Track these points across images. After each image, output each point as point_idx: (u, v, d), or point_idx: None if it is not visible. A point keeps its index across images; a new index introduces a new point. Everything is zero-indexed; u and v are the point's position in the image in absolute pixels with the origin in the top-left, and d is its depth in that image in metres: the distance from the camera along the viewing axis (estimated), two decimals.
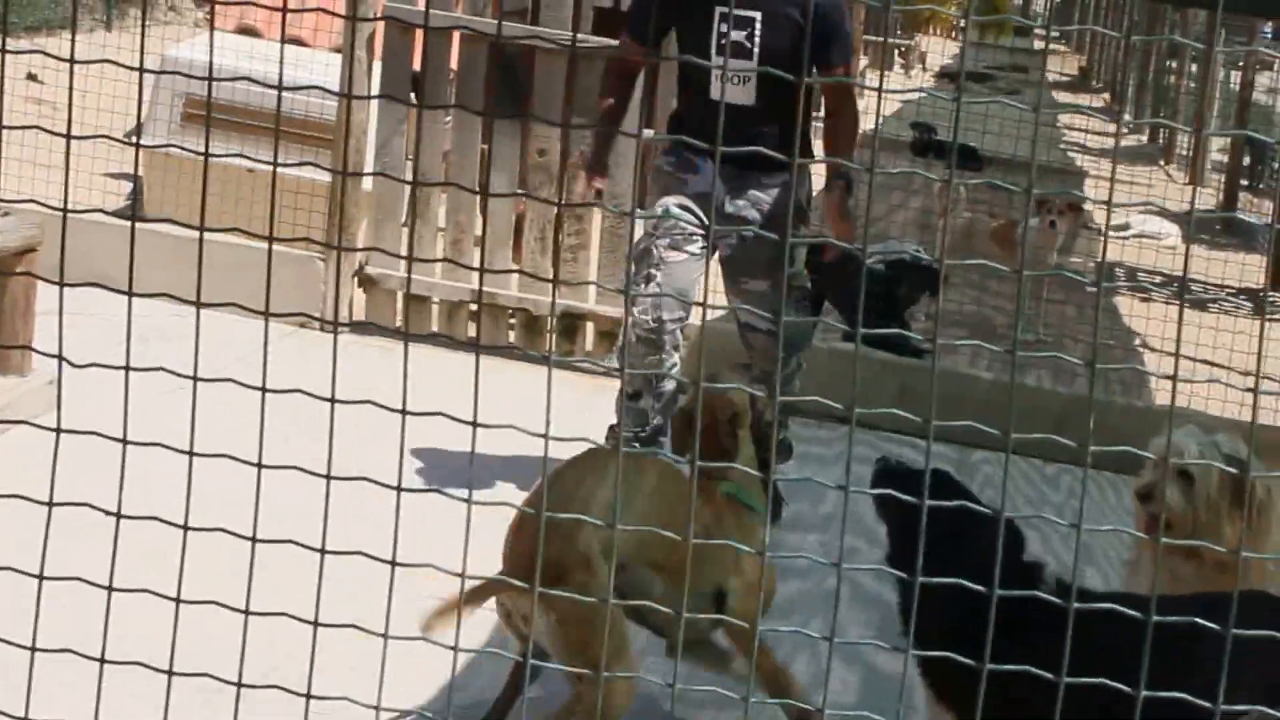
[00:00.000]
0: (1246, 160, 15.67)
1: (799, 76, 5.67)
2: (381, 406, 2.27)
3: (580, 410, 6.46)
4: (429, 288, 7.74)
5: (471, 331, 7.79)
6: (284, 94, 2.36)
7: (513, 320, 7.80)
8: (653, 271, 5.53)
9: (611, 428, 5.85)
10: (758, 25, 5.44)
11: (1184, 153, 17.91)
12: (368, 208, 7.92)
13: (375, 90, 7.54)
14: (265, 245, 2.31)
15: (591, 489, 3.75)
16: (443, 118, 7.59)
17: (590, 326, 7.74)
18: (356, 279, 7.84)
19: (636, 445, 5.51)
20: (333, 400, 2.30)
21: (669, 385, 5.67)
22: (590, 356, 7.67)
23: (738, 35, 5.42)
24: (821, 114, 6.10)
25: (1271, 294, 12.04)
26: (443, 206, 7.78)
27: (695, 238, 5.59)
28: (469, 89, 7.54)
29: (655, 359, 5.56)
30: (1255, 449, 4.51)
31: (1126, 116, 23.33)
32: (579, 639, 3.58)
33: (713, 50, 5.43)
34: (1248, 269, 12.25)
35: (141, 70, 2.33)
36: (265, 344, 2.38)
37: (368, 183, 7.79)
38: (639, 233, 5.66)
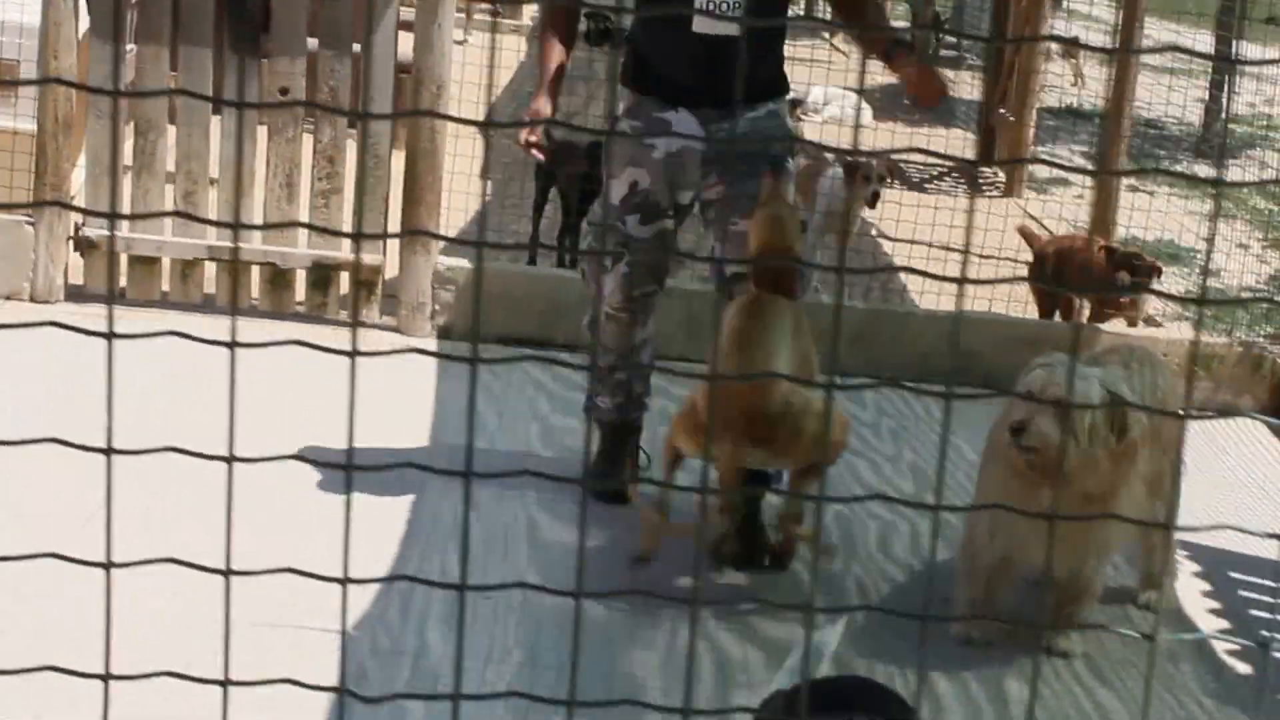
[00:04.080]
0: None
1: None
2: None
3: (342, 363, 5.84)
4: (158, 247, 6.87)
5: (209, 290, 6.99)
6: None
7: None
8: (621, 250, 5.00)
9: (592, 400, 5.36)
10: None
11: None
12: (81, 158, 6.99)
13: (83, 25, 6.61)
14: None
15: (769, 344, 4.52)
16: (164, 57, 6.69)
17: (344, 277, 7.01)
18: (72, 243, 6.90)
19: (615, 419, 5.42)
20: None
21: (645, 356, 5.25)
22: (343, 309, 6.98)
23: None
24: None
25: (984, 169, 12.02)
26: (171, 154, 6.89)
27: (666, 210, 5.06)
28: (191, 23, 6.66)
29: (628, 335, 5.18)
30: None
31: None
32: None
33: None
34: (951, 143, 12.15)
35: None
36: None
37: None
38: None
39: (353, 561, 4.86)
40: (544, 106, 4.99)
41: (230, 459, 1.73)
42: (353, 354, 1.73)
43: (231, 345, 1.71)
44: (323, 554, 4.86)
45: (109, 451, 1.70)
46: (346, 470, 1.73)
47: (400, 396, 5.96)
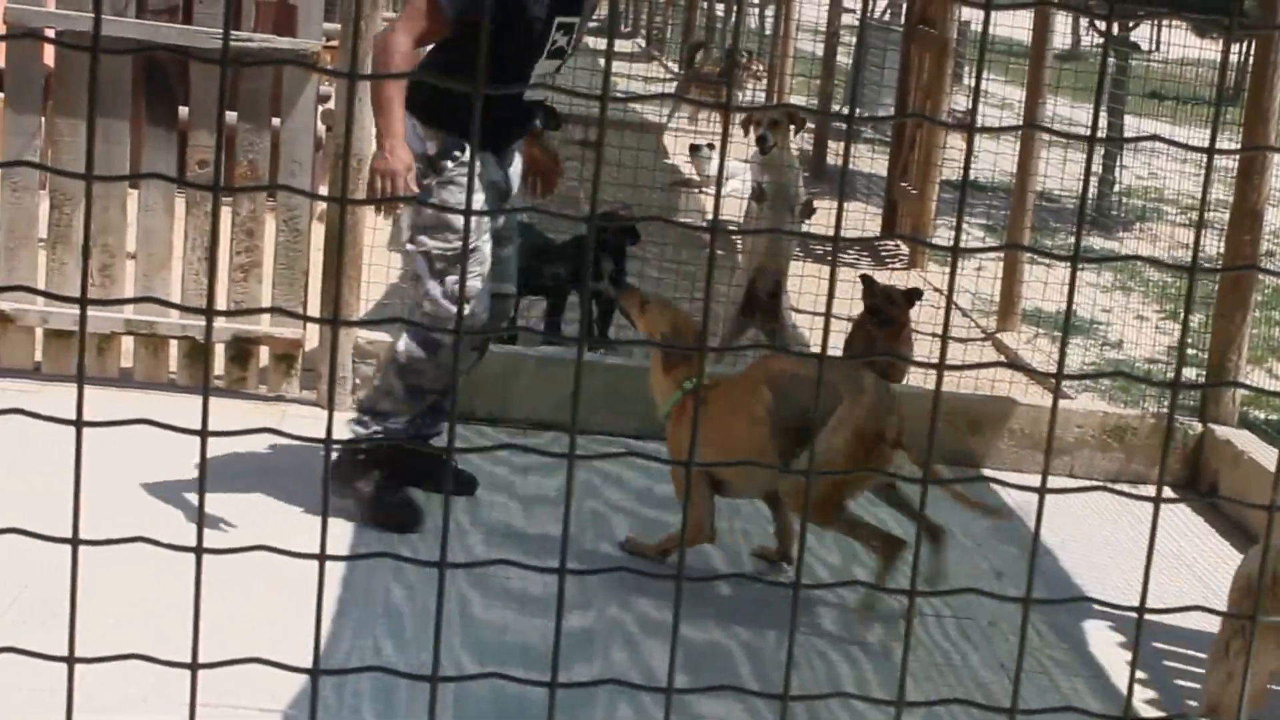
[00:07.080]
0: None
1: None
2: None
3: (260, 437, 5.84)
4: (75, 320, 6.78)
5: (125, 364, 6.89)
6: None
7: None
8: (478, 268, 5.58)
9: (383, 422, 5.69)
10: (577, 27, 5.55)
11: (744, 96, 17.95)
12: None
13: None
14: None
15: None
16: (80, 130, 6.62)
17: (265, 351, 6.94)
18: None
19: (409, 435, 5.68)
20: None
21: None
22: (266, 383, 6.91)
23: (563, 40, 5.48)
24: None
25: (887, 243, 12.16)
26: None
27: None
28: (109, 96, 6.60)
29: (467, 353, 5.85)
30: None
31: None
32: None
33: (544, 55, 5.45)
34: (852, 216, 12.27)
35: None
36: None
37: None
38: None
39: (287, 639, 4.79)
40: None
41: (199, 550, 1.70)
42: (326, 441, 1.72)
43: (202, 434, 1.68)
44: (266, 634, 4.76)
45: (74, 542, 1.66)
46: (319, 560, 1.70)
47: (287, 465, 5.95)
